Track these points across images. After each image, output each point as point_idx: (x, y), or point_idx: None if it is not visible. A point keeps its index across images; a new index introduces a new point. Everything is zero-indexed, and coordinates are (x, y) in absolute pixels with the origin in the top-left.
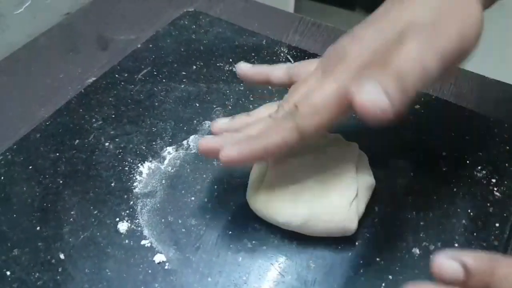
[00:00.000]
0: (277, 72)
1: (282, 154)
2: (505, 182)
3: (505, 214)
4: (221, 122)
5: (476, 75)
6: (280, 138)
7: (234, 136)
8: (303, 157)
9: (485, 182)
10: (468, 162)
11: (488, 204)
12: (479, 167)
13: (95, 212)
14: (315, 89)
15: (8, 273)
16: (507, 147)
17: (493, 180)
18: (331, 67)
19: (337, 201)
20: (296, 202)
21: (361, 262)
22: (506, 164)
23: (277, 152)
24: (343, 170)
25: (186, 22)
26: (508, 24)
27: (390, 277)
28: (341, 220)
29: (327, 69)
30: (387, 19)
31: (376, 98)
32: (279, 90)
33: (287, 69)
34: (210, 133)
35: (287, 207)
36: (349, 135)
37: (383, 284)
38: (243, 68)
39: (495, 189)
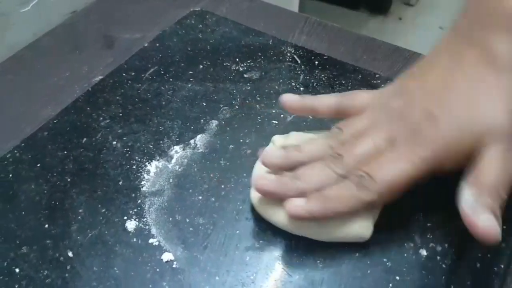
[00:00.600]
0: (323, 107)
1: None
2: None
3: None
4: (274, 156)
5: None
6: (347, 208)
7: (295, 184)
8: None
9: None
10: None
11: None
12: None
13: (103, 211)
14: (389, 161)
15: (17, 270)
16: None
17: None
18: (401, 138)
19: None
20: None
21: (368, 262)
22: None
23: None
24: None
25: (193, 22)
26: None
27: (398, 277)
28: (355, 228)
29: (396, 139)
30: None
31: (492, 227)
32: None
33: (334, 103)
34: (217, 132)
35: None
36: None
37: (390, 285)
38: (289, 101)
39: None
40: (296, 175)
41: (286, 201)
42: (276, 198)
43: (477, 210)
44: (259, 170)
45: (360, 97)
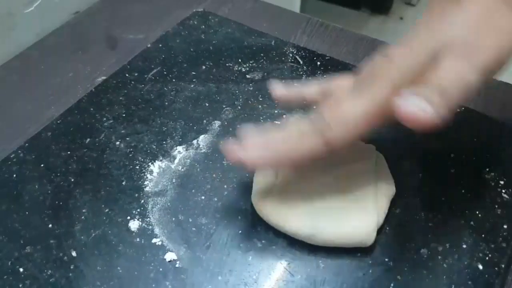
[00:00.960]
0: (309, 89)
1: (303, 164)
2: None
3: None
4: (247, 129)
5: None
6: (307, 147)
7: (257, 139)
8: (317, 161)
9: (493, 184)
10: (476, 164)
11: (496, 206)
12: (487, 169)
13: (106, 211)
14: (347, 106)
15: (21, 269)
16: None
17: (501, 182)
18: (363, 85)
19: (355, 213)
20: (309, 212)
21: (370, 262)
22: None
23: (300, 161)
24: (362, 177)
25: (195, 22)
26: None
27: (399, 277)
28: (358, 234)
29: (359, 87)
30: (418, 40)
31: (421, 107)
32: None
33: (319, 86)
34: (219, 132)
35: (298, 217)
36: None
37: (392, 285)
38: (277, 90)
39: (503, 191)
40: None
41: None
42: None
43: (407, 97)
44: (259, 177)
45: (344, 79)
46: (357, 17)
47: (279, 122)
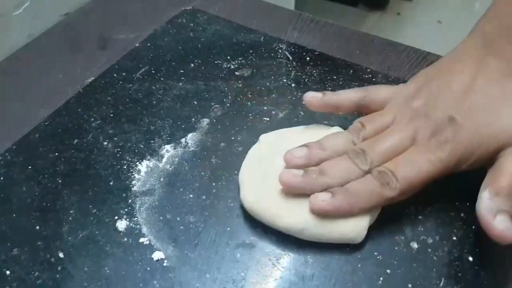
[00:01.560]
0: (346, 102)
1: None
2: None
3: None
4: (297, 156)
5: None
6: (369, 203)
7: (320, 179)
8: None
9: (483, 175)
10: None
11: None
12: None
13: (94, 211)
14: (411, 160)
15: (8, 272)
16: None
17: None
18: (423, 137)
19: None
20: (300, 208)
21: (359, 256)
22: None
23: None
24: None
25: (184, 21)
26: None
27: (388, 271)
28: (350, 231)
29: (418, 137)
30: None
31: (507, 229)
32: (279, 91)
33: (357, 98)
34: (208, 130)
35: (289, 212)
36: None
37: (381, 279)
38: (313, 100)
39: None
40: (321, 171)
41: (312, 196)
42: (301, 193)
43: (492, 212)
44: (247, 168)
45: (383, 92)
46: (354, 13)
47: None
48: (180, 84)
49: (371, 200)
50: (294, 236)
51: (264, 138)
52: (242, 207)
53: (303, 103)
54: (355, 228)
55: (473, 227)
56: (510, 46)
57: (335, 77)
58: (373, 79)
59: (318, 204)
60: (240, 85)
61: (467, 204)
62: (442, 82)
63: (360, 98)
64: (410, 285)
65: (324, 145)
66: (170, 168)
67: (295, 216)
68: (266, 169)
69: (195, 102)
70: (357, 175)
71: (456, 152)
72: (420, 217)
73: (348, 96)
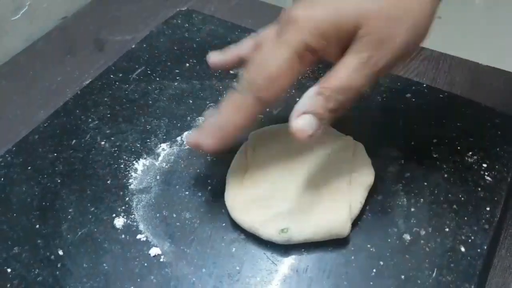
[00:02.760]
0: (245, 47)
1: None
2: (496, 167)
3: (495, 198)
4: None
5: (470, 62)
6: (243, 117)
7: (209, 124)
8: (289, 151)
9: (476, 167)
10: (459, 148)
11: (479, 189)
12: (470, 153)
13: (92, 209)
14: (268, 57)
15: (9, 270)
16: (498, 132)
17: (484, 165)
18: (283, 31)
19: (328, 206)
20: (280, 215)
21: (352, 249)
22: (497, 149)
23: (246, 127)
24: (336, 168)
25: (179, 21)
26: (493, 14)
27: (381, 262)
28: (332, 227)
29: (279, 34)
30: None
31: (311, 126)
32: None
33: (253, 40)
34: None
35: (270, 223)
36: (338, 124)
37: (374, 270)
38: (214, 58)
39: (486, 173)
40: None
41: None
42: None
43: (299, 112)
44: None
45: (274, 28)
46: None
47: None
48: (176, 83)
49: (240, 116)
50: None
51: (252, 135)
52: None
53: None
54: (336, 223)
55: (466, 218)
56: None
57: None
58: None
59: (205, 148)
60: (235, 83)
61: (459, 195)
62: None
63: (254, 38)
64: (403, 276)
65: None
66: (166, 166)
67: (275, 227)
68: (248, 175)
69: (191, 101)
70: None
71: (303, 30)
72: (412, 209)
73: (244, 41)
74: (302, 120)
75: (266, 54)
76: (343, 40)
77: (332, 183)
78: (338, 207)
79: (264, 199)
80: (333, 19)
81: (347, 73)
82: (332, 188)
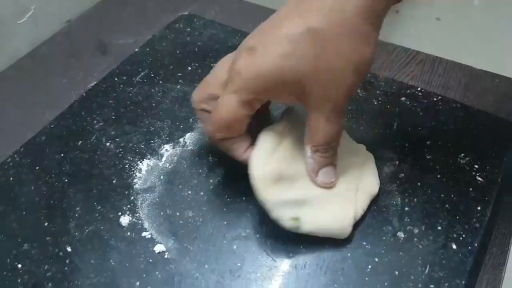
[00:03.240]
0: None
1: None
2: (487, 168)
3: (486, 198)
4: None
5: (464, 66)
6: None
7: None
8: None
9: (468, 168)
10: (452, 150)
11: (471, 189)
12: (463, 154)
13: (99, 208)
14: (219, 106)
15: (20, 266)
16: (489, 135)
17: (476, 166)
18: (230, 81)
19: (335, 207)
20: (294, 201)
21: (349, 246)
22: (489, 151)
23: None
24: (347, 173)
25: (181, 26)
26: (493, 15)
27: (376, 259)
28: (336, 228)
29: (228, 84)
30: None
31: (327, 179)
32: None
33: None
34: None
35: (283, 207)
36: None
37: (370, 266)
38: None
39: (478, 174)
40: None
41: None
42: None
43: (314, 170)
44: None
45: None
46: None
47: None
48: (178, 86)
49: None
50: (287, 229)
51: (291, 109)
52: (238, 203)
53: None
54: (340, 225)
55: (457, 217)
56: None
57: None
58: None
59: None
60: None
61: (452, 195)
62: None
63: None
64: (397, 272)
65: None
66: (170, 167)
67: (286, 212)
68: (282, 147)
69: None
70: None
71: (246, 83)
72: (406, 208)
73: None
74: (321, 177)
75: (219, 103)
76: (288, 91)
77: (342, 187)
78: (344, 210)
79: (289, 180)
80: (276, 79)
81: (324, 128)
82: (341, 191)
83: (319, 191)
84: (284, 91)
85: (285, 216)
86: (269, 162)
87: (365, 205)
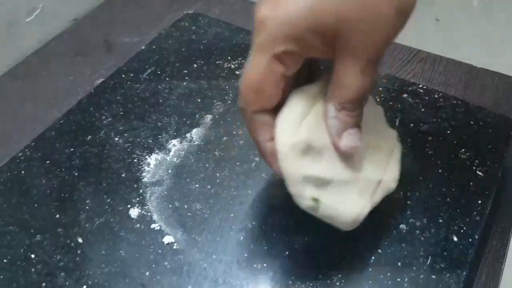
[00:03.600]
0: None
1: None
2: (487, 163)
3: (486, 192)
4: None
5: (464, 64)
6: (252, 129)
7: None
8: None
9: (468, 163)
10: (453, 145)
11: (471, 183)
12: (463, 150)
13: (108, 200)
14: (249, 66)
15: (33, 256)
16: (490, 131)
17: (476, 161)
18: (256, 35)
19: (354, 200)
20: (314, 183)
21: (353, 237)
22: (489, 146)
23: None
24: (375, 158)
25: (186, 24)
26: (495, 13)
27: (379, 251)
28: (346, 222)
29: (254, 38)
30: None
31: (351, 143)
32: None
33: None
34: (211, 126)
35: (302, 185)
36: None
37: (373, 257)
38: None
39: (478, 169)
40: None
41: None
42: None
43: (338, 132)
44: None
45: None
46: None
47: None
48: (184, 83)
49: (248, 127)
50: (292, 221)
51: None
52: (244, 196)
53: None
54: (351, 218)
55: (458, 210)
56: None
57: None
58: None
59: None
60: None
61: (453, 189)
62: None
63: None
64: (399, 264)
65: None
66: (177, 161)
67: (304, 192)
68: (313, 115)
69: (199, 100)
70: None
71: (275, 36)
72: (409, 202)
73: None
74: (345, 140)
75: (248, 64)
76: (324, 40)
77: (366, 175)
78: (360, 206)
79: (316, 154)
80: (309, 24)
81: (356, 81)
82: (364, 181)
83: (345, 173)
84: (316, 40)
85: (305, 194)
86: (298, 130)
87: (378, 202)
